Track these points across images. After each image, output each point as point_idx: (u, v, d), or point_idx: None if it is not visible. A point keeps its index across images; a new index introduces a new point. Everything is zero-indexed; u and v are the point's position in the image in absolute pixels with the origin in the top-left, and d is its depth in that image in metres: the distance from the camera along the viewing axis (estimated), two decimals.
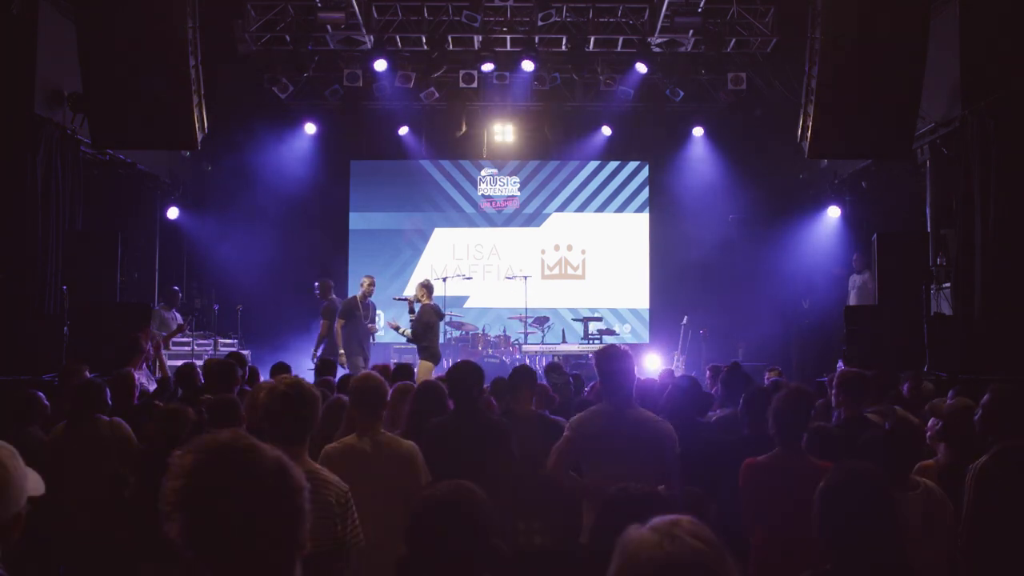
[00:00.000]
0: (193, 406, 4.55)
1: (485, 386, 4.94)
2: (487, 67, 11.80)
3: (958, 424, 4.01)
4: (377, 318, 10.86)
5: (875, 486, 2.44)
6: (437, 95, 12.43)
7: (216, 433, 1.47)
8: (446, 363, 10.87)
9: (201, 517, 1.38)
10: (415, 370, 8.93)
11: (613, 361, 3.90)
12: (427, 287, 9.78)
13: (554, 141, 13.74)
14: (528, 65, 11.72)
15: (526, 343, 11.79)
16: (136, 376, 6.04)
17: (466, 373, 4.22)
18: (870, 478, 2.46)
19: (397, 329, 9.83)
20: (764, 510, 3.54)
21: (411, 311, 9.77)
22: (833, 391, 4.73)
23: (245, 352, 10.08)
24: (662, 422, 3.97)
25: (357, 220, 14.01)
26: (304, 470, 2.89)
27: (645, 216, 13.99)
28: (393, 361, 10.06)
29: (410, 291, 11.10)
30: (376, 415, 3.75)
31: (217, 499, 1.38)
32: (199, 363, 7.25)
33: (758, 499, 3.58)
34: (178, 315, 10.85)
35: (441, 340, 12.27)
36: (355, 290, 13.84)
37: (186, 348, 10.17)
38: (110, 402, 4.85)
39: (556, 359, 10.92)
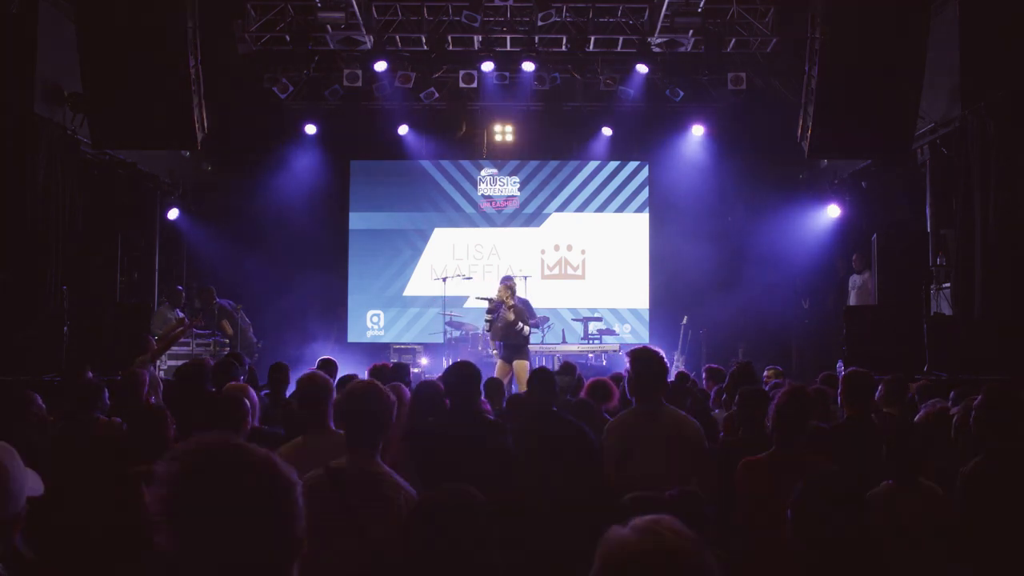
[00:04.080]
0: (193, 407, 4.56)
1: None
2: (487, 67, 11.79)
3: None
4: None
5: (846, 493, 2.43)
6: (437, 95, 12.42)
7: (201, 436, 1.43)
8: (445, 362, 10.89)
9: (191, 525, 1.34)
10: (511, 370, 9.29)
11: (648, 363, 3.99)
12: (511, 287, 9.93)
13: (554, 141, 13.74)
14: (528, 65, 11.72)
15: None
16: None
17: (464, 375, 4.22)
18: (841, 485, 2.44)
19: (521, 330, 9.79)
20: (762, 509, 3.54)
21: (491, 311, 9.85)
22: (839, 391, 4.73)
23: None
24: (691, 420, 4.05)
25: (357, 220, 14.00)
26: (374, 472, 2.94)
27: (645, 216, 13.98)
28: (392, 361, 10.07)
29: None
30: (322, 414, 3.77)
31: (207, 505, 1.35)
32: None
33: (755, 498, 3.58)
34: (181, 315, 10.86)
35: (441, 340, 12.33)
36: (356, 291, 13.91)
37: (185, 348, 10.16)
38: (107, 402, 4.85)
39: (556, 358, 10.91)
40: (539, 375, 4.67)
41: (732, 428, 5.15)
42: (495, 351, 10.26)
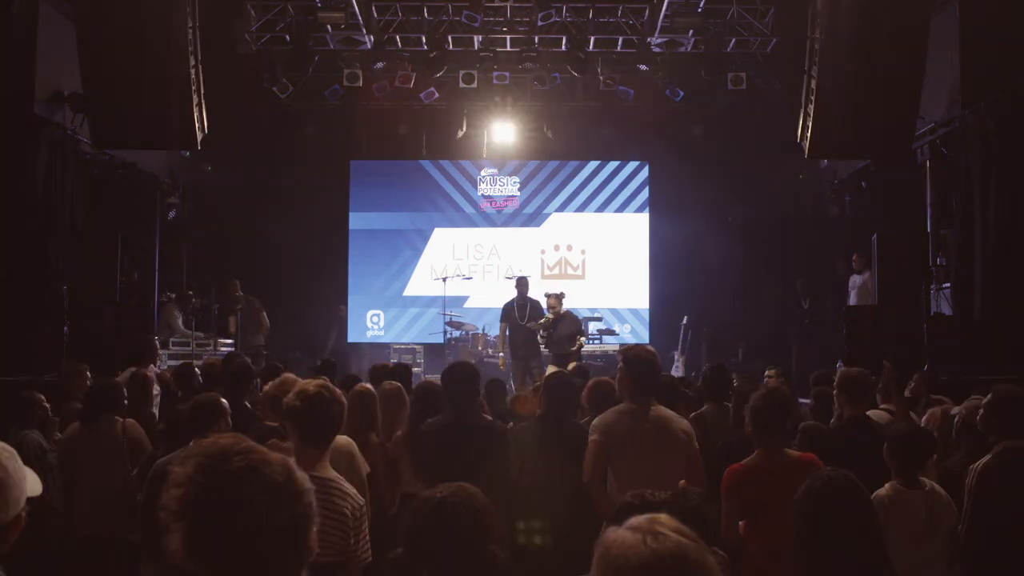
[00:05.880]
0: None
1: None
2: (487, 68, 11.78)
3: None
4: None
5: (853, 495, 2.41)
6: (437, 95, 12.41)
7: (217, 437, 1.41)
8: (450, 361, 10.88)
9: (203, 527, 1.32)
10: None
11: (642, 361, 3.98)
12: (560, 297, 10.30)
13: (554, 141, 13.73)
14: (528, 65, 11.71)
15: None
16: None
17: (462, 375, 4.22)
18: (848, 486, 2.43)
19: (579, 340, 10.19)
20: (752, 513, 3.53)
21: (548, 327, 10.00)
22: (834, 391, 4.72)
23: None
24: (682, 420, 4.04)
25: (357, 220, 14.00)
26: (324, 477, 2.93)
27: (645, 216, 13.98)
28: (392, 361, 10.07)
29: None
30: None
31: (220, 507, 1.32)
32: (199, 363, 7.25)
33: (744, 503, 3.57)
34: (181, 316, 10.88)
35: (441, 340, 12.33)
36: (356, 291, 13.90)
37: (186, 348, 10.16)
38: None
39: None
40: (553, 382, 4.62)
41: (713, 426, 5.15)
42: (503, 353, 10.31)
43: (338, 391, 3.13)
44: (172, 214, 11.87)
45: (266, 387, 4.59)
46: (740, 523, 3.55)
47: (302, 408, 3.00)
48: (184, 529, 1.32)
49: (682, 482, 3.52)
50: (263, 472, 1.36)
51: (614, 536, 1.31)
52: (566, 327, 9.90)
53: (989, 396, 3.71)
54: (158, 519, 1.35)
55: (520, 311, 10.17)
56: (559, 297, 10.23)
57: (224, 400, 4.01)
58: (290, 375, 4.15)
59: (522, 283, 10.46)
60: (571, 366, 9.35)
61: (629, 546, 1.28)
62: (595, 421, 3.98)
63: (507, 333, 10.34)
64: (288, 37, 11.24)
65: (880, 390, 5.16)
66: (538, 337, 9.98)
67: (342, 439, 3.86)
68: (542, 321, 10.06)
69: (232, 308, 11.01)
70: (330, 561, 2.85)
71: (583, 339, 10.27)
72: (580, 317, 10.96)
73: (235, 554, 1.32)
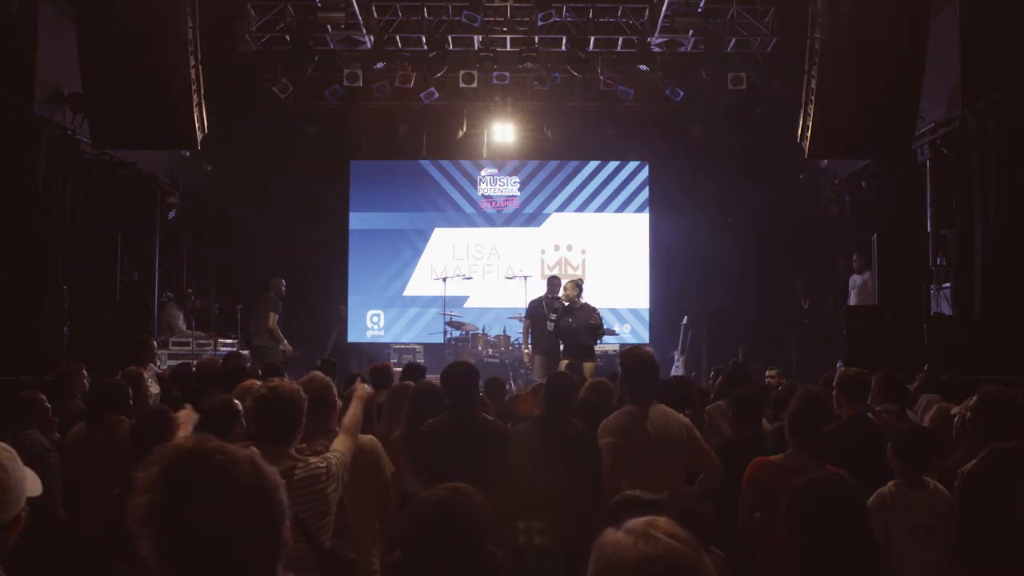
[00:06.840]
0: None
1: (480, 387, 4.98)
2: (487, 68, 11.78)
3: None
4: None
5: (840, 495, 2.40)
6: (437, 95, 12.41)
7: (181, 440, 1.38)
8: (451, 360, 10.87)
9: (173, 533, 1.29)
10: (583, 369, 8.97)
11: (640, 362, 4.02)
12: (581, 286, 9.91)
13: (554, 141, 13.73)
14: (528, 65, 11.72)
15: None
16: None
17: (461, 375, 4.22)
18: (834, 488, 2.42)
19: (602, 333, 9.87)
20: (769, 510, 3.52)
21: (564, 311, 9.67)
22: (834, 391, 4.72)
23: (244, 352, 10.14)
24: (679, 416, 4.07)
25: (357, 220, 14.00)
26: (292, 464, 2.94)
27: (645, 216, 13.98)
28: (393, 361, 10.07)
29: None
30: (326, 416, 3.75)
31: (188, 512, 1.29)
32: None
33: (763, 499, 3.56)
34: (182, 316, 10.88)
35: (441, 340, 12.33)
36: (356, 291, 13.91)
37: (186, 348, 10.17)
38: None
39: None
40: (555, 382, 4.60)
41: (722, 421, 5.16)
42: (527, 349, 10.16)
43: (293, 387, 3.15)
44: (172, 214, 11.86)
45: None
46: (756, 514, 3.55)
47: (255, 409, 3.07)
48: (153, 536, 1.29)
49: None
50: (231, 473, 1.33)
51: (609, 537, 1.32)
52: (584, 317, 9.74)
53: (975, 398, 3.71)
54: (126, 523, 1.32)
55: (548, 309, 10.12)
56: (576, 283, 9.92)
57: (237, 402, 4.00)
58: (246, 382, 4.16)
59: (553, 283, 10.43)
60: (588, 365, 9.34)
61: (622, 548, 1.29)
62: (603, 425, 3.99)
63: (530, 330, 10.20)
64: (288, 37, 11.24)
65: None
66: (546, 324, 9.85)
67: (366, 438, 3.86)
68: (556, 306, 9.87)
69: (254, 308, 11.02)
70: (335, 543, 2.95)
71: (603, 334, 9.85)
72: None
73: (207, 556, 1.30)
